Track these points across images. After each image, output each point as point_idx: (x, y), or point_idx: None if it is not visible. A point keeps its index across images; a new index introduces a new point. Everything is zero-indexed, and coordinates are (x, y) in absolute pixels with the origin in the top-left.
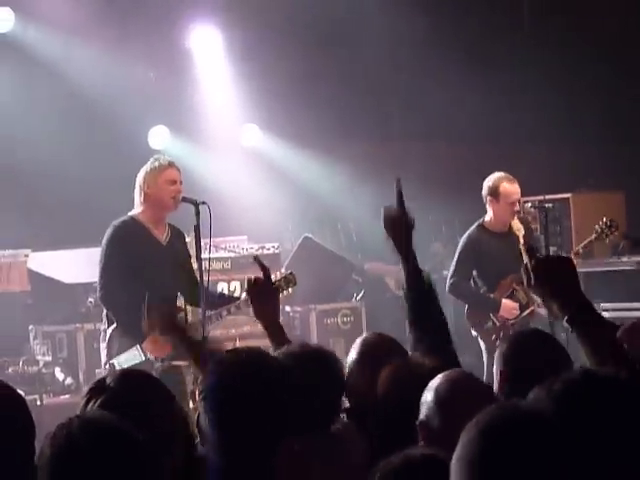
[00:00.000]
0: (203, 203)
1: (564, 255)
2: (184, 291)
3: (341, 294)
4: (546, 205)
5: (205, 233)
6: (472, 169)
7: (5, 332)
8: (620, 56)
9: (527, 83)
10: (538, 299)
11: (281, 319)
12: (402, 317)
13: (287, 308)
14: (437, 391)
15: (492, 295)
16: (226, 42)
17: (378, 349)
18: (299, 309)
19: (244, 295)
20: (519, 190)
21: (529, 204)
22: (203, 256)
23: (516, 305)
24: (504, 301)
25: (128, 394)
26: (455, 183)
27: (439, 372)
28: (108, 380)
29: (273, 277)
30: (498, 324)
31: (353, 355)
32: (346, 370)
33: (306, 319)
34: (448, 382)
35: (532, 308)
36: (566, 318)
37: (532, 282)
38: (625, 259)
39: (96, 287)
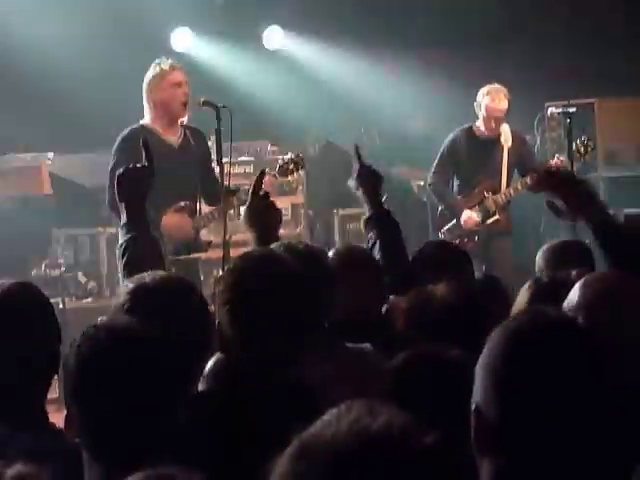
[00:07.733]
0: (224, 107)
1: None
2: (202, 191)
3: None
4: (570, 110)
5: (227, 137)
6: (498, 70)
7: (28, 235)
8: None
9: None
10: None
11: (303, 223)
12: (425, 221)
13: (310, 212)
14: (584, 292)
15: (459, 198)
16: None
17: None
18: (321, 213)
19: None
20: (503, 107)
21: (553, 108)
22: (224, 160)
23: (475, 220)
24: (465, 211)
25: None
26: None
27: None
28: (147, 280)
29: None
30: (462, 227)
31: None
32: None
33: (328, 224)
34: (596, 281)
35: (497, 217)
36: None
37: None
38: None
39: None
